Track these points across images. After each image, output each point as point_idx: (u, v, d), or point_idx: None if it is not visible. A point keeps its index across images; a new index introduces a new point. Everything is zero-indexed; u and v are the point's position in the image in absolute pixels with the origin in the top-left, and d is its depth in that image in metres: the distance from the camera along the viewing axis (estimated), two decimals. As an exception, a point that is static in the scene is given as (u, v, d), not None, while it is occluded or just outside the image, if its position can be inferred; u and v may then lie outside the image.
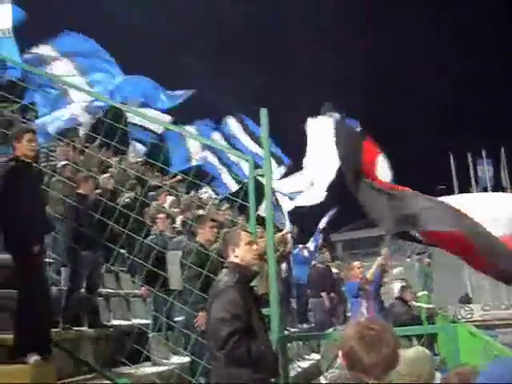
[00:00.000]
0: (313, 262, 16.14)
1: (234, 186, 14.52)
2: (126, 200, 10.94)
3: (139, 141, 12.51)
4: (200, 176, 14.12)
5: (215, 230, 8.83)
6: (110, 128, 8.69)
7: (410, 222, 4.22)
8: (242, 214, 15.15)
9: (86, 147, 12.80)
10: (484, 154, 31.97)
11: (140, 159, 13.72)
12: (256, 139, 10.90)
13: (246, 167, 7.43)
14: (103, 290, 9.74)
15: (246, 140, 11.84)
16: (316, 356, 12.79)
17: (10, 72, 9.20)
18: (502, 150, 32.32)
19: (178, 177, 15.09)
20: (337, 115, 4.98)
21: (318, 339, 11.01)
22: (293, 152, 13.69)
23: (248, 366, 4.48)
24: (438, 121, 54.82)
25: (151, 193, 13.14)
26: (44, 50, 8.95)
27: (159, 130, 11.94)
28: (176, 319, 9.35)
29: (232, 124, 12.80)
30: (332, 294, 15.26)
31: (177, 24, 49.78)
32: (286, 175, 10.36)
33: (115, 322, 9.27)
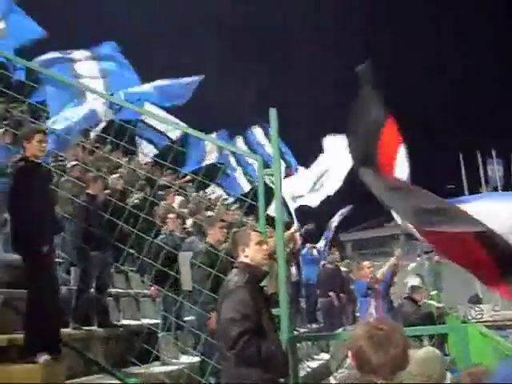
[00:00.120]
0: (322, 262, 16.13)
1: (246, 187, 14.73)
2: (136, 201, 10.95)
3: (151, 142, 12.66)
4: (210, 176, 14.29)
5: (225, 230, 8.84)
6: (119, 129, 8.72)
7: (427, 216, 4.18)
8: (252, 214, 15.18)
9: (97, 147, 12.82)
10: (494, 153, 31.82)
11: (150, 160, 13.84)
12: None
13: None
14: (113, 290, 9.77)
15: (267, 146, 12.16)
16: (325, 356, 12.76)
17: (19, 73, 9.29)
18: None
19: (188, 177, 15.17)
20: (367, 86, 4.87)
21: (328, 339, 11.00)
22: (293, 152, 13.78)
23: (258, 366, 4.47)
24: (438, 121, 54.72)
25: (160, 192, 13.17)
26: (76, 54, 9.03)
27: (174, 135, 12.13)
28: (185, 319, 9.35)
29: (256, 132, 13.30)
30: (341, 294, 15.26)
31: (177, 24, 49.87)
32: (285, 177, 10.39)
33: (125, 322, 9.28)
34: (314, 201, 9.60)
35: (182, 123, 9.69)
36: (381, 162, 4.60)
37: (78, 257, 8.53)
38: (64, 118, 8.49)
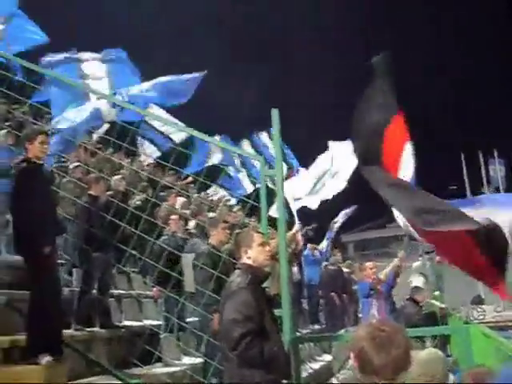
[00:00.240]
0: (324, 263, 16.13)
1: (250, 188, 14.81)
2: (138, 203, 10.96)
3: (155, 144, 12.69)
4: (211, 177, 14.34)
5: (227, 231, 8.84)
6: (122, 130, 8.73)
7: (427, 216, 4.18)
8: (253, 216, 15.21)
9: (99, 149, 12.84)
10: (496, 153, 31.76)
11: (152, 161, 13.87)
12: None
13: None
14: (115, 291, 9.76)
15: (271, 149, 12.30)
16: (327, 357, 12.77)
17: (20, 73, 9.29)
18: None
19: (190, 178, 15.20)
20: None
21: (330, 340, 10.98)
22: (293, 152, 13.80)
23: (260, 367, 4.47)
24: (438, 121, 54.75)
25: (161, 193, 13.19)
26: (83, 55, 9.03)
27: (177, 137, 12.19)
28: (187, 320, 9.36)
29: (262, 135, 13.48)
30: (344, 295, 15.27)
31: (177, 24, 49.91)
32: (287, 178, 10.41)
33: (127, 323, 9.28)
34: (313, 203, 9.60)
35: (181, 123, 9.69)
36: (385, 163, 4.60)
37: (80, 258, 8.53)
38: (66, 119, 8.49)
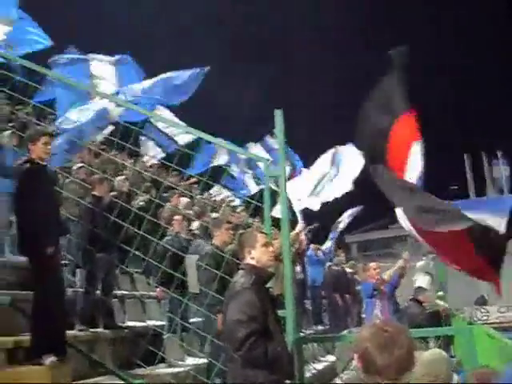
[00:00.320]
0: (328, 264, 16.11)
1: (254, 189, 14.82)
2: (141, 203, 10.97)
3: (159, 145, 12.71)
4: (214, 177, 14.35)
5: (231, 231, 8.84)
6: (125, 130, 8.73)
7: (429, 216, 4.18)
8: (257, 216, 15.19)
9: (103, 149, 12.84)
10: (499, 154, 31.68)
11: (156, 162, 13.88)
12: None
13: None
14: (118, 292, 9.77)
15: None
16: (331, 357, 12.77)
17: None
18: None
19: (193, 179, 15.20)
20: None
21: (333, 341, 10.98)
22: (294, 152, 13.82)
23: (264, 368, 4.48)
24: (438, 121, 54.69)
25: (165, 194, 13.19)
26: (92, 56, 9.04)
27: (182, 139, 12.21)
28: (191, 320, 9.36)
29: (268, 138, 13.53)
30: (347, 296, 15.26)
31: (177, 24, 49.90)
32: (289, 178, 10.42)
33: (130, 324, 9.28)
34: (314, 205, 9.58)
35: (181, 122, 9.67)
36: (390, 163, 4.59)
37: (84, 258, 8.53)
38: (69, 119, 8.49)
